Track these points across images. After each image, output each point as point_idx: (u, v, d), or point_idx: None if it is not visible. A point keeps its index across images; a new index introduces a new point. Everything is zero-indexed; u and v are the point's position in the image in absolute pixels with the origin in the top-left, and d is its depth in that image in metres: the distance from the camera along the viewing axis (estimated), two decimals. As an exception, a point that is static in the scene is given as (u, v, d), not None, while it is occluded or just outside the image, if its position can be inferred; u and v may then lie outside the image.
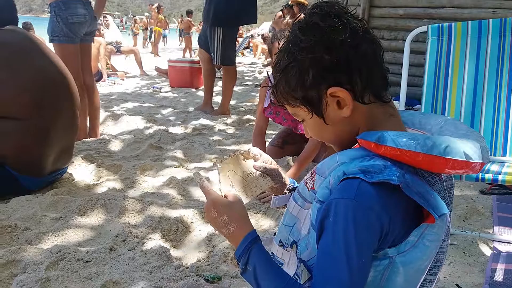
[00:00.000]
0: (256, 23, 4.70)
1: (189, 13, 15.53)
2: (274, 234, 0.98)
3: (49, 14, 3.29)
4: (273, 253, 0.95)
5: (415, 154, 0.74)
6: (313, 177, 0.87)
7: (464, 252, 1.86)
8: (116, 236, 1.89)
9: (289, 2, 8.88)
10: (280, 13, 9.76)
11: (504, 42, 1.89)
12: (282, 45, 0.88)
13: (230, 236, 0.91)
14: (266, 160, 1.08)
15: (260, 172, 1.05)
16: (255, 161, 1.08)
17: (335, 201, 0.74)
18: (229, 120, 4.41)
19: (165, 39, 19.66)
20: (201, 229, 2.01)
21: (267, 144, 3.11)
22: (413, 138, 0.75)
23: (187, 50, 14.32)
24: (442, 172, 0.79)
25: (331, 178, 0.78)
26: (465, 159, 0.75)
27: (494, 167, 1.76)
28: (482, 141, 0.81)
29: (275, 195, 1.08)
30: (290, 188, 1.09)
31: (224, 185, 1.00)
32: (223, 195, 0.96)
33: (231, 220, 0.90)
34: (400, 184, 0.72)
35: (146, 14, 20.05)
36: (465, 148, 0.76)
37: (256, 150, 1.09)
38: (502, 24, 1.89)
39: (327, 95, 0.81)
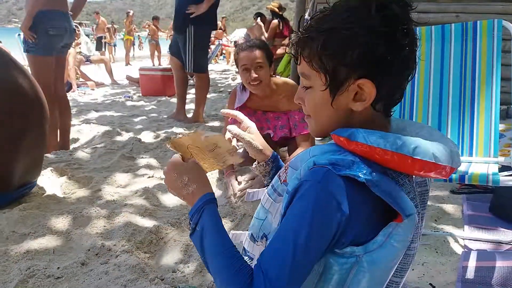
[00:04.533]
0: (216, 29, 4.75)
1: (154, 19, 15.20)
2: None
3: (17, 25, 3.21)
4: (244, 248, 0.95)
5: (383, 152, 0.74)
6: (286, 170, 0.87)
7: (436, 252, 1.89)
8: (88, 250, 1.85)
9: (266, 7, 8.91)
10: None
11: (466, 46, 1.95)
12: (341, 2, 0.80)
13: (188, 197, 0.92)
14: (249, 127, 1.10)
15: (229, 149, 1.05)
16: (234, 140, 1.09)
17: (301, 182, 0.76)
18: (202, 128, 4.38)
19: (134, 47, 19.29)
20: (176, 239, 1.99)
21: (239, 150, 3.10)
22: (383, 137, 0.75)
23: (154, 58, 14.16)
24: (411, 173, 0.79)
25: (302, 170, 0.78)
26: (433, 161, 0.75)
27: (461, 167, 1.81)
28: (454, 147, 0.82)
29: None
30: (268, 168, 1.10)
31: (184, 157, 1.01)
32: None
33: (191, 180, 0.92)
34: (366, 181, 0.73)
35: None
36: (434, 150, 0.76)
37: (239, 114, 1.11)
38: (463, 28, 1.96)
39: (354, 82, 0.78)
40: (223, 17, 15.52)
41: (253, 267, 0.78)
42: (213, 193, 0.91)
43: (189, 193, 0.91)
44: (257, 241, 0.91)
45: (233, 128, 1.08)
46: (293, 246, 0.71)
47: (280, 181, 0.88)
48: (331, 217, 0.72)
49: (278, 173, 0.91)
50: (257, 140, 1.10)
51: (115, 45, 15.64)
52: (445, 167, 0.77)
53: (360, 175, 0.73)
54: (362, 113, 0.81)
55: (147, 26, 14.73)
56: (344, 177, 0.73)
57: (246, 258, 0.93)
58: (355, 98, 0.79)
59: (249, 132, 1.10)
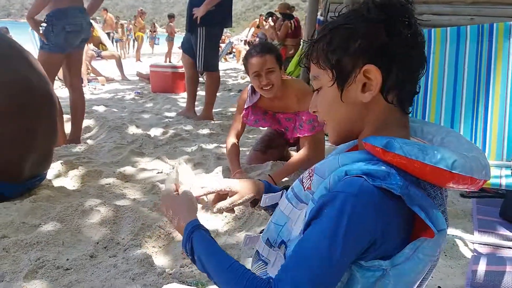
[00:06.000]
0: (231, 26, 4.76)
1: (170, 17, 15.31)
2: (261, 232, 0.96)
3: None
4: (258, 251, 0.93)
5: (423, 165, 0.72)
6: (310, 176, 0.84)
7: (445, 255, 1.88)
8: (97, 243, 1.86)
9: (275, 10, 8.90)
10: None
11: (482, 48, 1.93)
12: (345, 9, 0.85)
13: (177, 229, 0.96)
14: (229, 188, 1.05)
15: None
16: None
17: (335, 194, 0.73)
18: (212, 125, 4.39)
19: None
20: (184, 235, 1.99)
21: (243, 149, 3.11)
22: (422, 149, 0.73)
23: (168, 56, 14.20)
24: (444, 186, 0.77)
25: (331, 179, 0.76)
26: (470, 175, 0.73)
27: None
28: (484, 158, 0.80)
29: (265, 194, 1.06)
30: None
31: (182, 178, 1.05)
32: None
33: (175, 213, 0.96)
34: (402, 195, 0.71)
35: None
36: (472, 165, 0.74)
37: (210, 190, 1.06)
38: (479, 31, 1.93)
39: (360, 71, 0.79)
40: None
41: (267, 271, 0.82)
42: (197, 219, 0.93)
43: (175, 225, 0.96)
44: (274, 247, 0.89)
45: (222, 204, 1.05)
46: (326, 260, 0.70)
47: (304, 187, 0.86)
48: (366, 231, 0.71)
49: (300, 178, 0.89)
50: (243, 191, 1.05)
51: (117, 41, 15.62)
52: (479, 181, 0.76)
53: (396, 188, 0.71)
54: (376, 107, 0.81)
55: (169, 23, 14.85)
56: (379, 189, 0.72)
57: (260, 262, 0.91)
58: (364, 89, 0.80)
59: (232, 192, 1.05)
